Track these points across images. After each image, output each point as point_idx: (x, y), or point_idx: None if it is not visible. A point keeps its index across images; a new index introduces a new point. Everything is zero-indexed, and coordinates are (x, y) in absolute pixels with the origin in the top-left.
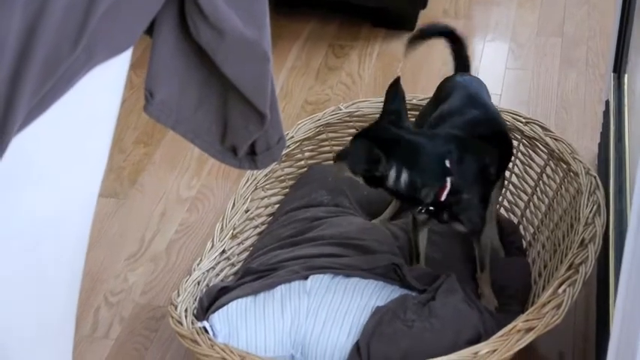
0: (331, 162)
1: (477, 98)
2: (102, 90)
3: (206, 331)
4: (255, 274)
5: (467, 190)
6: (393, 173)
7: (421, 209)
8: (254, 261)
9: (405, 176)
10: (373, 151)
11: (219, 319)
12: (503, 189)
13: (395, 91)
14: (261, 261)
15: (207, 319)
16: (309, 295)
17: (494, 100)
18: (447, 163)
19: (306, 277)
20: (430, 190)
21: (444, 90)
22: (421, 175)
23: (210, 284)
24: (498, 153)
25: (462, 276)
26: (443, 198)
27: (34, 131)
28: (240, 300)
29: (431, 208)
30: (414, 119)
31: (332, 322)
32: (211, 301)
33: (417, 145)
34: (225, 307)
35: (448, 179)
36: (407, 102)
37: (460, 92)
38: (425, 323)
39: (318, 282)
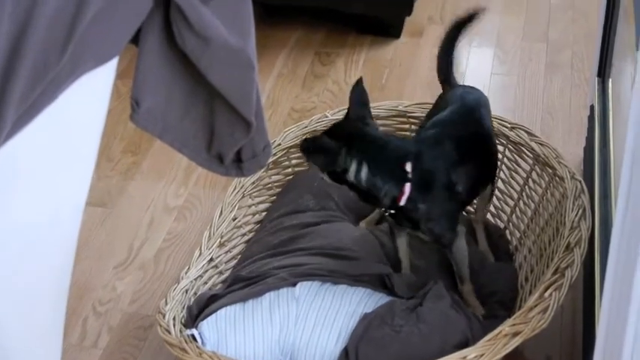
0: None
1: (471, 113)
2: (88, 98)
3: (195, 339)
4: (244, 281)
5: (426, 201)
6: (353, 167)
7: (385, 211)
8: (243, 269)
9: (365, 171)
10: (331, 144)
11: (208, 326)
12: None
13: (359, 90)
14: (250, 269)
15: (196, 327)
16: (298, 302)
17: None
18: (408, 168)
19: (294, 284)
20: (389, 192)
21: (443, 101)
22: (381, 174)
23: (199, 292)
24: (477, 172)
25: (448, 283)
26: (402, 203)
27: (20, 139)
28: (228, 307)
29: (392, 211)
30: (407, 126)
31: (320, 328)
32: (200, 309)
33: (379, 141)
34: (213, 315)
35: (407, 185)
36: (393, 108)
37: (456, 105)
38: (413, 328)
39: (306, 289)
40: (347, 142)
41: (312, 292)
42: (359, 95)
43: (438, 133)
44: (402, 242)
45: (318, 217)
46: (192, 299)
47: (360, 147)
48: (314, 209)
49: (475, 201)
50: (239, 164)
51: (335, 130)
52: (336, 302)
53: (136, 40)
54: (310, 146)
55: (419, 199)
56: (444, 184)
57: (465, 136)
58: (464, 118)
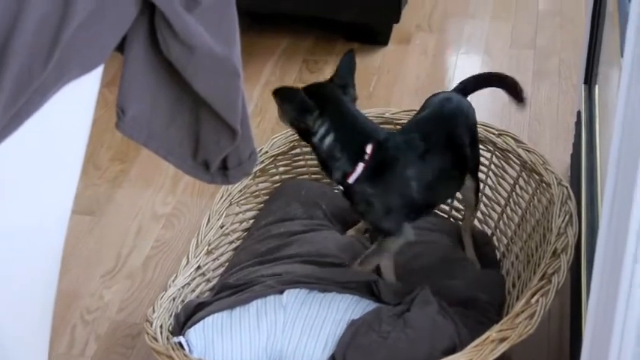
0: (306, 177)
1: (446, 120)
2: (74, 106)
3: (182, 346)
4: (231, 289)
5: (374, 187)
6: (321, 131)
7: (335, 185)
8: (230, 277)
9: (330, 139)
10: (307, 102)
11: (196, 333)
12: None
13: (349, 58)
14: (238, 277)
15: (183, 335)
16: (285, 310)
17: None
18: (368, 149)
19: (281, 292)
20: (342, 166)
21: (425, 104)
22: (341, 146)
23: (186, 300)
24: (439, 179)
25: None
26: (350, 181)
27: (5, 146)
28: (216, 315)
29: (340, 187)
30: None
31: (308, 335)
32: (187, 317)
33: (351, 115)
34: (201, 322)
35: (361, 165)
36: (380, 115)
37: (433, 110)
38: (400, 334)
39: (293, 296)
40: (322, 105)
41: (299, 300)
42: (348, 63)
43: (409, 130)
44: (387, 264)
45: (305, 225)
46: (180, 307)
47: (333, 114)
48: (301, 217)
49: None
50: (225, 172)
51: (314, 90)
52: (323, 310)
53: (121, 48)
54: (286, 96)
55: (368, 183)
56: (397, 176)
57: (433, 140)
58: (437, 123)
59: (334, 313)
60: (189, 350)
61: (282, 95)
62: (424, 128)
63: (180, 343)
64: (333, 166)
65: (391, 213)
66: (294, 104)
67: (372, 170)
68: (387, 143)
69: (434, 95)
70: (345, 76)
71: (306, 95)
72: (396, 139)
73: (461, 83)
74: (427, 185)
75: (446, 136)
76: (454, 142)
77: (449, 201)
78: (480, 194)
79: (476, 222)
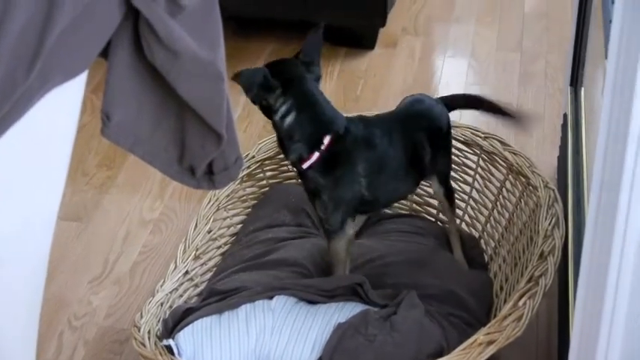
0: (293, 181)
1: (409, 121)
2: (58, 112)
3: (171, 350)
4: (220, 294)
5: (325, 178)
6: (283, 109)
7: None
8: (218, 282)
9: (290, 118)
10: (270, 80)
11: (185, 337)
12: (464, 203)
13: (317, 35)
14: (225, 282)
15: (172, 338)
16: (274, 313)
17: (454, 116)
18: (325, 140)
19: (270, 297)
20: (298, 150)
21: (399, 104)
22: (301, 130)
23: (174, 305)
24: (391, 179)
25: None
26: (304, 167)
27: None
28: (205, 319)
29: (294, 169)
30: None
31: (296, 339)
32: (176, 322)
33: (314, 99)
34: (190, 326)
35: (316, 154)
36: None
37: (399, 110)
38: (387, 337)
39: (282, 302)
40: (285, 83)
41: (288, 305)
42: (314, 39)
43: (373, 124)
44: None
45: (292, 232)
46: (168, 312)
47: (295, 94)
48: (289, 224)
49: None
50: (211, 177)
51: (278, 67)
52: (311, 314)
53: (105, 53)
54: (249, 74)
55: (320, 173)
56: (349, 171)
57: (393, 138)
58: (400, 122)
59: (322, 316)
60: (179, 354)
61: (245, 75)
62: (387, 125)
63: (169, 347)
64: (290, 146)
65: (338, 208)
66: (257, 82)
67: (326, 161)
68: (345, 137)
69: (411, 95)
70: (310, 53)
71: (270, 72)
72: (356, 132)
73: (451, 95)
74: (377, 183)
75: (406, 135)
76: (413, 143)
77: (438, 204)
78: (455, 197)
79: (464, 225)
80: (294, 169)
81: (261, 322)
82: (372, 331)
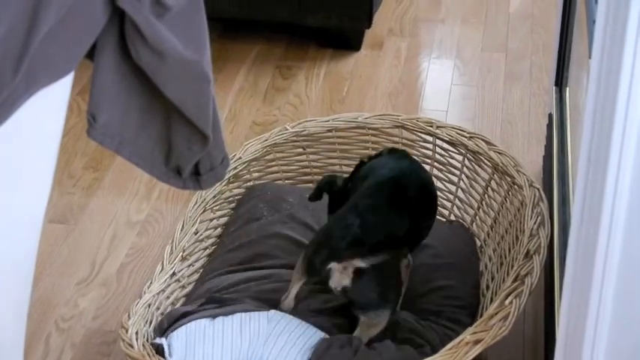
0: (279, 182)
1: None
2: (44, 114)
3: (160, 350)
4: (218, 302)
5: None
6: None
7: None
8: (205, 284)
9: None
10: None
11: (178, 337)
12: (450, 203)
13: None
14: (213, 283)
15: (165, 337)
16: (270, 321)
17: (440, 116)
18: None
19: (267, 309)
20: None
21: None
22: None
23: (162, 307)
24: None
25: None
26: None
27: None
28: (200, 320)
29: None
30: (367, 137)
31: (290, 347)
32: (171, 323)
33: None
34: (183, 327)
35: None
36: (352, 120)
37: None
38: (372, 351)
39: (280, 315)
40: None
41: (286, 317)
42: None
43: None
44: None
45: (271, 223)
46: (155, 314)
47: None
48: (268, 216)
49: None
50: (197, 177)
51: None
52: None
53: (91, 55)
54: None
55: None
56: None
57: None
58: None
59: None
60: (169, 353)
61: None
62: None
63: (160, 346)
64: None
65: None
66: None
67: None
68: None
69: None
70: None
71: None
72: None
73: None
74: None
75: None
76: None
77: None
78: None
79: None
80: None
81: (256, 327)
82: (357, 343)
